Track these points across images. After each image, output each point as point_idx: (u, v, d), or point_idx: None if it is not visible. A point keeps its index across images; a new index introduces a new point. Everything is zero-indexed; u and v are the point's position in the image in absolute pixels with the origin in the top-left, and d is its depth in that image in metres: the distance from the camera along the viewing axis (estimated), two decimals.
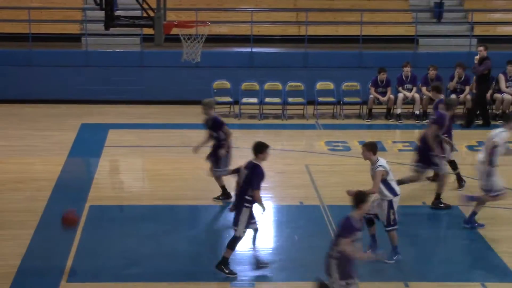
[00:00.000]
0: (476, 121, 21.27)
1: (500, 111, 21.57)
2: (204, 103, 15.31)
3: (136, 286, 11.77)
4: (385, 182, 12.49)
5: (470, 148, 19.24)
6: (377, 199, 12.63)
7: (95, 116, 21.77)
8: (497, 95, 21.55)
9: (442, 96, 16.11)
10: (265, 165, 17.24)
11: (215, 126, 15.25)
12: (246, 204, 12.02)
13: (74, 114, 21.82)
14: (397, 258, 12.61)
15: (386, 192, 12.45)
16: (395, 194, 12.52)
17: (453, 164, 16.18)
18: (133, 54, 23.37)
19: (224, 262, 12.07)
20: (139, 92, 23.04)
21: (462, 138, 19.49)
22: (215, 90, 22.06)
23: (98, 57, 23.14)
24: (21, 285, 11.73)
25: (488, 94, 21.52)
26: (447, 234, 14.39)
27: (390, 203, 12.47)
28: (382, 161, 12.54)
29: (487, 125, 20.79)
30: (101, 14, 13.82)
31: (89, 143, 19.29)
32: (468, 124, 21.12)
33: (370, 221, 12.70)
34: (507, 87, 21.51)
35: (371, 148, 12.55)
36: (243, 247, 13.52)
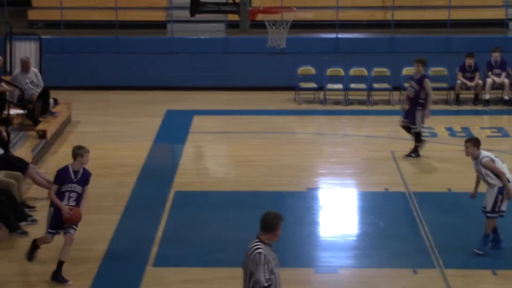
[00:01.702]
0: None
1: None
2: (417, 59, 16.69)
3: (221, 272, 11.87)
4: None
5: None
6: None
7: (180, 103, 21.98)
8: None
9: None
10: (349, 151, 17.41)
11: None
12: None
13: (160, 100, 22.08)
14: (485, 248, 12.38)
15: (494, 181, 12.25)
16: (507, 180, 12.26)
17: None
18: (218, 41, 23.52)
19: None
20: (223, 79, 23.16)
21: None
22: (300, 76, 22.06)
23: (183, 44, 23.35)
24: (108, 268, 11.98)
25: None
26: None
27: (500, 190, 12.24)
28: (485, 152, 12.35)
29: None
30: (186, 1, 13.98)
31: (175, 129, 19.51)
32: None
33: None
34: None
35: (476, 144, 12.31)
36: (327, 232, 13.60)
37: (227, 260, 12.19)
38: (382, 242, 13.01)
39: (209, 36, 23.69)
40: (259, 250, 8.31)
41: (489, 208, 12.32)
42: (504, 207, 12.32)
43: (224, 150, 18.38)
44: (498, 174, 12.12)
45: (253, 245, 8.40)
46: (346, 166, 16.73)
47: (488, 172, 12.21)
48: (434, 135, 18.84)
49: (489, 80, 21.33)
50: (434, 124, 19.54)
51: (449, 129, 19.32)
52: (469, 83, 21.42)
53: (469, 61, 21.38)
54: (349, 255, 12.61)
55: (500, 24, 23.50)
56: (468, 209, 14.31)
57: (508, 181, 12.22)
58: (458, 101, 21.59)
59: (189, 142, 18.45)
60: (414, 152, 17.02)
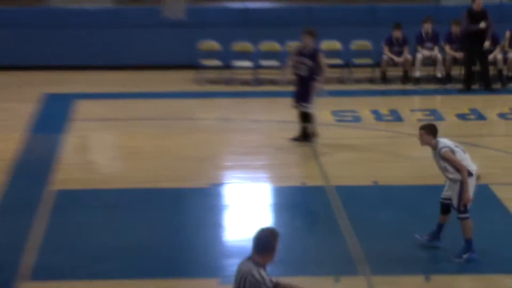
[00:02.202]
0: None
1: None
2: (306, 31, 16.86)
3: (109, 284, 11.66)
4: None
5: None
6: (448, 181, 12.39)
7: (59, 85, 21.69)
8: None
9: None
10: (260, 139, 17.39)
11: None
12: None
13: (35, 82, 21.78)
14: (468, 256, 12.35)
15: (454, 175, 12.22)
16: (468, 174, 12.11)
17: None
18: (104, 12, 23.28)
19: None
20: (111, 56, 22.94)
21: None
22: (202, 52, 21.96)
23: (64, 16, 23.05)
24: None
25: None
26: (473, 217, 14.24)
27: (463, 184, 12.14)
28: (444, 141, 12.22)
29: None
30: None
31: (53, 117, 19.24)
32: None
33: (446, 208, 12.49)
34: None
35: (432, 131, 12.22)
36: (235, 236, 13.50)
37: (116, 270, 11.99)
38: (299, 246, 12.93)
39: (94, 7, 23.38)
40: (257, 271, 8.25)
41: (455, 205, 12.24)
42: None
43: (113, 140, 18.19)
44: (458, 168, 12.07)
45: (248, 268, 8.30)
46: (256, 157, 16.69)
47: (448, 166, 12.09)
48: (357, 119, 18.98)
49: (419, 55, 21.58)
50: (358, 106, 19.69)
51: (375, 112, 19.49)
52: (396, 59, 21.63)
53: (397, 34, 21.60)
54: None
55: None
56: (397, 205, 14.52)
57: (470, 174, 12.19)
58: (384, 79, 21.82)
59: (71, 132, 18.17)
60: (305, 136, 17.14)
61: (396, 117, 19.06)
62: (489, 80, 21.13)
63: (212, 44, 22.17)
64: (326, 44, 21.86)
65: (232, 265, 12.26)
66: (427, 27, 21.65)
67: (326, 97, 17.56)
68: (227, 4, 23.73)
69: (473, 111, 19.58)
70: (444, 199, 12.41)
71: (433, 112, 19.66)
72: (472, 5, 20.66)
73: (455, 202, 12.20)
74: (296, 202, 14.79)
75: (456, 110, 19.52)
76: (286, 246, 12.88)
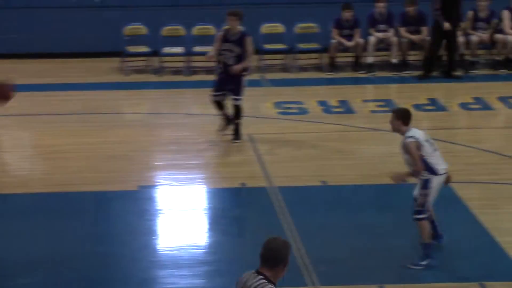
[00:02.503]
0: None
1: (503, 56, 21.92)
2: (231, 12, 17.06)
3: None
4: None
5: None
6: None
7: None
8: (499, 36, 21.84)
9: None
10: (194, 135, 17.52)
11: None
12: None
13: None
14: (427, 263, 12.65)
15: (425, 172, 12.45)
16: (433, 172, 12.60)
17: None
18: None
19: None
20: (24, 43, 22.83)
21: None
22: (127, 38, 21.96)
23: None
24: None
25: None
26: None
27: (425, 183, 12.54)
28: (414, 131, 12.53)
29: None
30: None
31: None
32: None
33: None
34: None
35: (401, 116, 12.54)
36: (167, 244, 13.66)
37: (35, 284, 12.06)
38: (239, 254, 13.15)
39: None
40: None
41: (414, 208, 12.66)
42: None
43: (28, 138, 18.22)
44: (414, 164, 12.32)
45: (257, 283, 8.17)
46: (190, 155, 16.86)
47: (408, 158, 12.44)
48: (303, 111, 19.19)
49: (372, 39, 21.81)
50: (304, 97, 19.89)
51: (322, 103, 19.72)
52: (347, 43, 21.80)
53: (347, 15, 21.74)
54: (197, 272, 12.71)
55: None
56: (348, 207, 14.76)
57: (435, 173, 12.51)
58: (333, 66, 21.99)
59: None
60: (236, 134, 17.36)
61: (347, 109, 19.32)
62: (454, 66, 21.48)
63: (139, 28, 22.18)
64: (267, 27, 22.09)
65: (164, 276, 12.56)
66: (381, 7, 21.86)
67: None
68: None
69: (432, 100, 19.88)
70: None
71: (387, 102, 19.86)
72: None
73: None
74: (235, 206, 15.00)
75: (413, 100, 19.71)
76: (225, 256, 13.23)
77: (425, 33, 21.76)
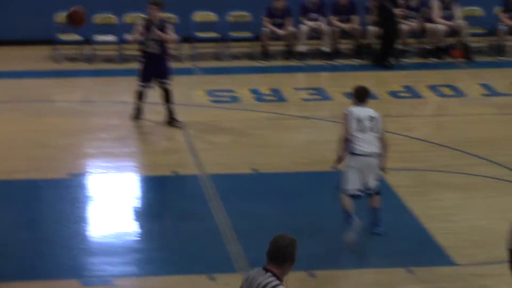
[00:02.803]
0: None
1: (433, 45, 22.11)
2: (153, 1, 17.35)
3: None
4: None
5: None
6: None
7: None
8: (429, 25, 22.04)
9: None
10: (126, 124, 17.51)
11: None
12: None
13: None
14: (354, 232, 12.95)
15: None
16: (350, 151, 12.99)
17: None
18: None
19: None
20: None
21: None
22: (58, 25, 21.82)
23: None
24: None
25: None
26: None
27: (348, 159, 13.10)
28: (357, 107, 13.17)
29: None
30: None
31: None
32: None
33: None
34: (442, 17, 22.04)
35: (355, 94, 13.24)
36: (98, 232, 13.67)
37: None
38: (170, 242, 13.25)
39: None
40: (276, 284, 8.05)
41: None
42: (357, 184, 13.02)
43: None
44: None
45: (267, 280, 8.13)
46: (122, 143, 16.88)
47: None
48: (235, 99, 19.25)
49: (303, 27, 21.90)
50: (236, 86, 19.93)
51: (254, 91, 19.79)
52: (279, 31, 21.87)
53: (279, 3, 21.79)
54: (128, 260, 12.74)
55: None
56: (280, 195, 14.87)
57: (352, 152, 12.91)
58: (265, 55, 22.05)
59: None
60: (173, 118, 17.55)
61: (279, 97, 19.41)
62: (387, 55, 21.63)
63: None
64: (199, 15, 22.07)
65: (95, 264, 12.57)
66: None
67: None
68: None
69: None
70: None
71: (319, 90, 20.02)
72: None
73: None
74: (166, 194, 15.05)
75: (345, 89, 19.70)
76: (155, 243, 13.27)
77: (356, 22, 21.90)
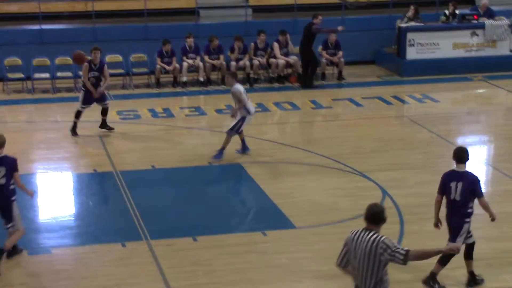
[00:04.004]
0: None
1: (276, 74, 22.26)
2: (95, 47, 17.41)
3: None
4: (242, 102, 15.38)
5: None
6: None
7: None
8: (273, 60, 22.18)
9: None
10: (59, 136, 17.21)
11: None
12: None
13: None
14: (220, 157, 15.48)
15: (243, 111, 15.50)
16: (249, 112, 15.55)
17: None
18: None
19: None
20: None
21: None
22: (7, 67, 21.41)
23: None
24: None
25: (265, 60, 22.20)
26: (231, 189, 14.81)
27: (243, 118, 15.51)
28: (239, 86, 15.48)
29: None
30: None
31: None
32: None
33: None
34: (281, 54, 22.19)
35: (233, 76, 15.76)
36: (40, 215, 13.43)
37: None
38: (93, 221, 13.11)
39: None
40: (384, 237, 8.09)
41: (230, 127, 15.57)
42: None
43: None
44: (241, 102, 15.45)
45: (374, 236, 8.08)
46: (56, 151, 16.58)
47: (236, 101, 15.50)
48: (138, 117, 19.07)
49: (185, 64, 21.82)
50: (138, 107, 19.80)
51: (151, 110, 19.61)
52: (167, 67, 21.76)
53: (167, 47, 21.71)
54: (62, 235, 12.57)
55: (191, 12, 24.08)
56: (171, 183, 14.88)
57: (249, 112, 15.62)
58: (158, 84, 21.89)
59: None
60: (106, 125, 17.59)
61: (169, 114, 19.33)
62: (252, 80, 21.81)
63: (16, 60, 21.61)
64: (110, 57, 21.82)
65: (38, 239, 12.34)
66: (189, 41, 21.88)
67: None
68: (26, 26, 23.17)
69: (228, 106, 19.80)
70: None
71: (197, 108, 19.97)
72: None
73: (232, 124, 15.60)
74: (90, 186, 14.87)
75: (216, 106, 19.90)
76: (84, 222, 13.12)
77: (222, 60, 21.91)
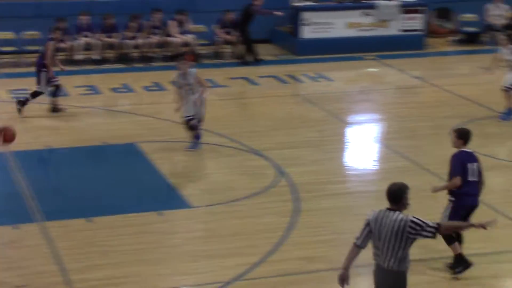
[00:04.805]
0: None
1: (173, 53, 22.04)
2: None
3: None
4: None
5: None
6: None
7: None
8: (169, 39, 21.92)
9: None
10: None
11: None
12: None
13: None
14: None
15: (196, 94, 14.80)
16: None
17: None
18: None
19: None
20: None
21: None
22: None
23: None
24: None
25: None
26: (126, 170, 14.52)
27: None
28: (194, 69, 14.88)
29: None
30: None
31: None
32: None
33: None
34: (179, 33, 21.97)
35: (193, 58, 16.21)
36: None
37: None
38: None
39: None
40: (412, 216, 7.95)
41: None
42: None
43: None
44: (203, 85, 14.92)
45: (399, 216, 7.93)
46: None
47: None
48: None
49: (80, 42, 21.36)
50: (31, 85, 19.13)
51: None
52: (62, 45, 21.17)
53: (61, 24, 21.01)
54: None
55: None
56: (65, 164, 14.54)
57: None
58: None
59: None
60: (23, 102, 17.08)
61: (63, 93, 18.80)
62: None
63: None
64: (2, 34, 21.14)
65: None
66: (84, 19, 21.46)
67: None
68: None
69: (124, 85, 19.73)
70: (187, 116, 14.76)
71: (92, 87, 19.56)
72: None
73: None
74: None
75: (111, 85, 19.54)
76: None
77: (118, 37, 21.55)
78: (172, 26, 21.96)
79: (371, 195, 12.96)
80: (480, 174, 10.35)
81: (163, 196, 13.12)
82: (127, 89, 19.48)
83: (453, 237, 10.33)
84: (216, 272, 10.52)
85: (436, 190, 10.59)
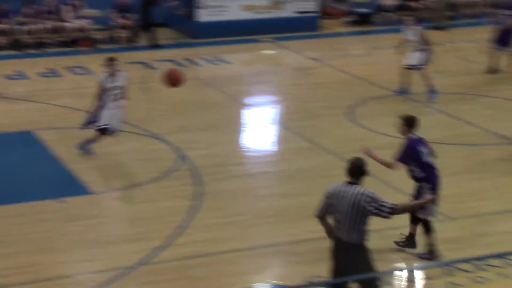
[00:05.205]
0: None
1: (67, 38, 21.63)
2: None
3: None
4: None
5: None
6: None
7: None
8: (62, 24, 21.49)
9: None
10: None
11: None
12: None
13: None
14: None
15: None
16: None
17: None
18: None
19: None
20: None
21: None
22: None
23: None
24: None
25: None
26: (22, 157, 14.14)
27: None
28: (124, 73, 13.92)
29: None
30: None
31: None
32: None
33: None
34: (73, 18, 21.58)
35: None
36: None
37: None
38: None
39: None
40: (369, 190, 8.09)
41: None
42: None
43: None
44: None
45: (359, 190, 8.03)
46: None
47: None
48: None
49: None
50: None
51: None
52: None
53: None
54: None
55: None
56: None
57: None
58: None
59: None
60: None
61: None
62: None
63: None
64: None
65: None
66: None
67: None
68: None
69: (18, 72, 19.24)
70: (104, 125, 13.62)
71: None
72: None
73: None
74: None
75: (4, 72, 19.08)
76: None
77: (12, 24, 21.01)
78: (66, 11, 21.54)
79: (272, 175, 13.02)
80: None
81: (63, 183, 12.84)
82: (21, 75, 19.02)
83: (418, 220, 10.40)
84: (119, 258, 10.38)
85: (376, 158, 10.04)
